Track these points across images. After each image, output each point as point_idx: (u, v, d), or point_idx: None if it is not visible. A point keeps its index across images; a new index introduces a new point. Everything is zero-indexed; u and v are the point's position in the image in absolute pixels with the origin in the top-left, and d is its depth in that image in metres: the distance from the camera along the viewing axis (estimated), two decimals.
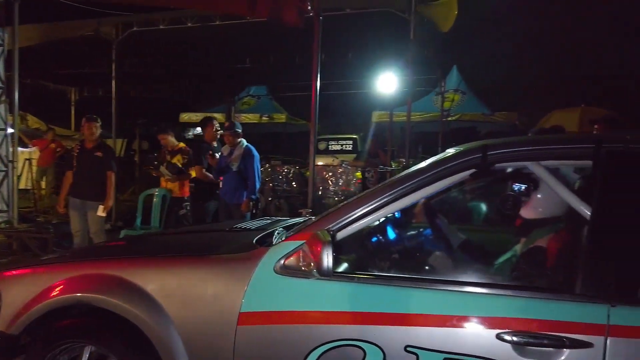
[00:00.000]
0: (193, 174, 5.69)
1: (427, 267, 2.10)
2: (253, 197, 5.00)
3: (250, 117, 15.89)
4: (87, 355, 2.04)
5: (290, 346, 1.77)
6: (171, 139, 5.72)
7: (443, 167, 1.87)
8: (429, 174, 1.87)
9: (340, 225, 1.84)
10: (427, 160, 2.11)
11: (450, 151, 2.10)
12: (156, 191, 5.69)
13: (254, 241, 2.15)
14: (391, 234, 2.28)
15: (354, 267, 1.99)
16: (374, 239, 2.23)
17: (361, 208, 1.87)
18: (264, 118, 15.69)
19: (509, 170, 2.00)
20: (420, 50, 8.12)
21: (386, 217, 2.12)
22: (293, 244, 1.87)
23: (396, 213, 2.17)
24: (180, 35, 9.05)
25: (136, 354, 1.95)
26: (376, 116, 13.11)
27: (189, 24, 8.20)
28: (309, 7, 4.40)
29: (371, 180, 6.06)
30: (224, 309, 1.86)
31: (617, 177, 1.66)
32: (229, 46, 10.01)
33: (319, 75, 4.54)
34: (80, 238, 4.86)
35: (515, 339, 1.53)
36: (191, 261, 2.06)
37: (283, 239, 1.95)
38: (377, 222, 2.10)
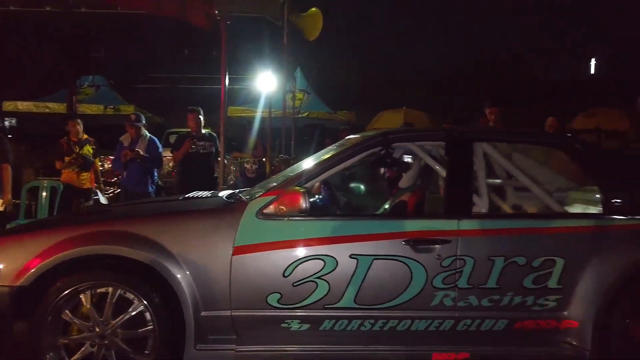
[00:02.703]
0: (97, 163, 5.77)
1: (355, 209, 3.15)
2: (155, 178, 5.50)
3: (94, 109, 15.11)
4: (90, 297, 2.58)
5: (273, 264, 2.62)
6: (80, 128, 5.67)
7: (361, 145, 2.91)
8: (352, 150, 2.90)
9: (300, 183, 2.75)
10: (344, 142, 3.13)
11: (356, 136, 3.19)
12: (45, 182, 5.63)
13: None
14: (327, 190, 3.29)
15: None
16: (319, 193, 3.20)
17: (311, 173, 2.81)
18: (108, 109, 15.06)
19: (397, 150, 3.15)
20: (279, 52, 9.17)
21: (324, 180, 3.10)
22: (268, 198, 2.71)
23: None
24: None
25: (154, 290, 2.57)
26: (230, 111, 13.90)
27: (48, 8, 7.86)
28: (216, 12, 4.99)
29: (250, 170, 6.84)
30: (222, 245, 2.61)
31: (458, 150, 2.89)
32: (83, 35, 9.68)
33: (227, 74, 5.17)
34: None
35: (412, 242, 2.64)
36: (190, 214, 2.75)
37: (259, 195, 2.77)
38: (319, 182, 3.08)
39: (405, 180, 3.46)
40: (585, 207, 2.97)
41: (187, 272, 2.59)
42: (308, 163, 3.07)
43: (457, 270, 2.64)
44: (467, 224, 2.69)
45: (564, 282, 2.62)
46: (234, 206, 2.78)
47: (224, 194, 3.32)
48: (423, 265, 2.63)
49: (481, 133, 3.02)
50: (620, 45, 23.87)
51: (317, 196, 3.55)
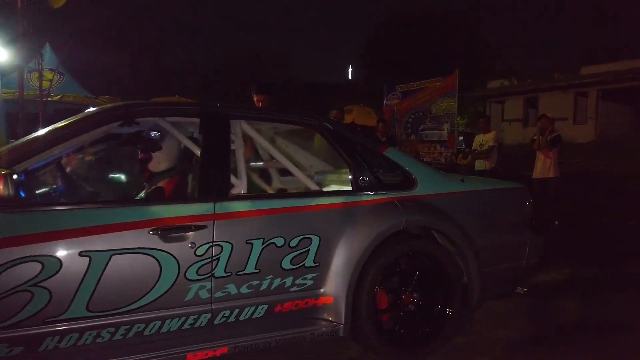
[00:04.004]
0: None
1: (87, 195, 2.57)
2: None
3: None
4: None
5: None
6: None
7: (94, 118, 2.39)
8: (82, 123, 2.36)
9: (9, 163, 2.08)
10: (78, 115, 2.55)
11: (94, 109, 2.63)
12: None
13: None
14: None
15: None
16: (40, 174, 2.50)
17: (21, 152, 2.17)
18: None
19: (143, 128, 2.72)
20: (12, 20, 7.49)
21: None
22: None
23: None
24: None
25: None
26: None
27: None
28: None
29: None
30: None
31: (214, 126, 2.63)
32: None
33: None
34: None
35: (161, 231, 2.27)
36: None
37: None
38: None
39: (160, 163, 3.03)
40: (340, 186, 3.07)
41: None
42: (22, 141, 2.39)
43: (214, 258, 2.38)
44: (223, 207, 2.46)
45: (320, 259, 2.62)
46: None
47: None
48: (174, 257, 2.29)
49: (238, 109, 2.82)
50: (371, 57, 27.82)
51: (52, 186, 2.85)
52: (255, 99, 5.19)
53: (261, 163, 3.23)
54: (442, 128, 10.71)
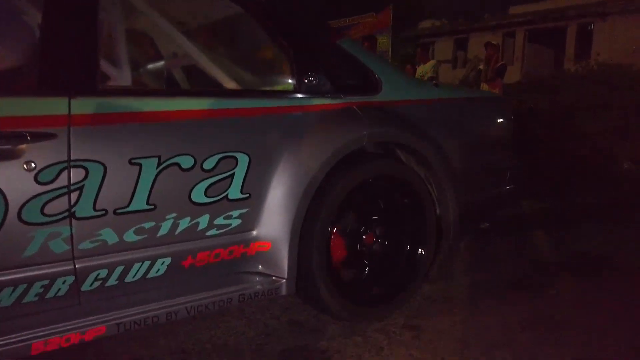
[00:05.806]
0: None
1: None
2: None
3: None
4: None
5: None
6: None
7: None
8: None
9: None
10: None
11: None
12: None
13: None
14: None
15: None
16: None
17: None
18: None
19: None
20: None
21: None
22: None
23: None
24: None
25: None
26: None
27: None
28: None
29: None
30: None
31: None
32: None
33: None
34: None
35: None
36: None
37: None
38: None
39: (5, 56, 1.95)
40: (278, 87, 2.16)
41: None
42: None
43: (73, 187, 1.44)
44: (86, 104, 1.49)
45: (250, 188, 1.77)
46: None
47: None
48: None
49: None
50: None
51: None
52: None
53: (156, 48, 2.24)
54: None
